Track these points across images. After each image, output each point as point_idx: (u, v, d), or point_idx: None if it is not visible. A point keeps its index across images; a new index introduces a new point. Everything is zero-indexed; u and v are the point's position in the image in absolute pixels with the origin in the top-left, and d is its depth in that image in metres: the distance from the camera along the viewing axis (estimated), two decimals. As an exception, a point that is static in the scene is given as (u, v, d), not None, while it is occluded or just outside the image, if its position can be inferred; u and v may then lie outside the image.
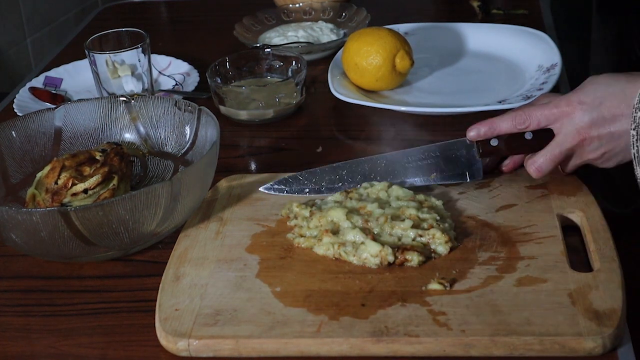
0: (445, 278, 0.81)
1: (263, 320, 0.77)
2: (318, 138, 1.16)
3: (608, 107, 0.88)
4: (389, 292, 0.80)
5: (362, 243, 0.84)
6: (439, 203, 0.91)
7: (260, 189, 0.98)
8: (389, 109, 1.17)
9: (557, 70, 1.19)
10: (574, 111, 0.89)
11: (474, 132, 0.94)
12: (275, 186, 0.98)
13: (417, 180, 0.96)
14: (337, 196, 0.93)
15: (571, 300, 0.77)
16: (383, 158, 0.97)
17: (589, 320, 0.74)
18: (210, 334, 0.77)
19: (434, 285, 0.80)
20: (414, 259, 0.83)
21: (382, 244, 0.84)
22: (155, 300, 0.82)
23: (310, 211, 0.91)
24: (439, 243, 0.84)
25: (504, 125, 0.93)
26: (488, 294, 0.78)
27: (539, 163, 0.92)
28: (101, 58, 1.19)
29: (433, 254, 0.84)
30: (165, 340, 0.77)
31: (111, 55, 1.19)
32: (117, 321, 0.83)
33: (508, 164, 0.97)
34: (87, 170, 0.95)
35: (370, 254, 0.83)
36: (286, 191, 0.97)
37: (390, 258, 0.83)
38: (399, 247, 0.84)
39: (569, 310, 0.75)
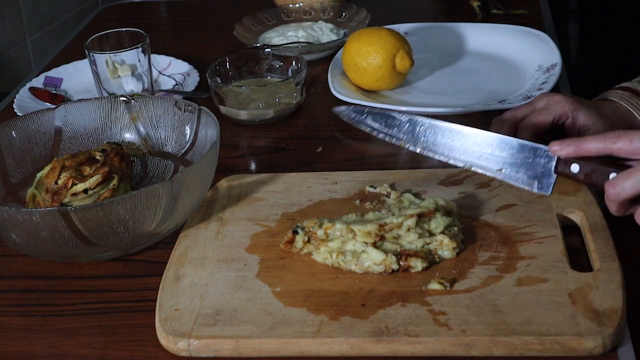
0: (446, 278, 0.81)
1: (263, 320, 0.77)
2: (318, 138, 1.16)
3: None
4: (389, 292, 0.80)
5: (363, 251, 0.84)
6: (453, 205, 0.89)
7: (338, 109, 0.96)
8: (389, 109, 1.17)
9: (557, 70, 1.19)
10: None
11: (557, 147, 0.82)
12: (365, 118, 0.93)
13: (484, 168, 0.87)
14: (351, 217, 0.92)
15: (571, 300, 0.76)
16: (456, 132, 0.88)
17: (589, 320, 0.74)
18: (210, 334, 0.77)
19: (434, 285, 0.80)
20: (417, 265, 0.82)
21: (385, 251, 0.83)
22: (155, 300, 0.82)
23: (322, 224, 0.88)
24: (447, 249, 0.84)
25: (592, 144, 0.80)
26: (488, 294, 0.78)
27: (618, 183, 0.77)
28: (101, 58, 1.19)
29: (437, 258, 0.84)
30: (165, 340, 0.77)
31: (111, 55, 1.19)
32: (117, 321, 0.83)
33: None
34: (87, 170, 0.95)
35: (374, 262, 0.83)
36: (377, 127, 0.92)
37: (395, 266, 0.82)
38: (401, 254, 0.83)
39: (569, 310, 0.75)
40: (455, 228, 0.86)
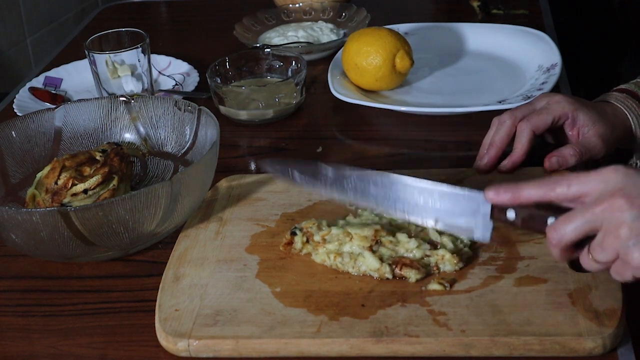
0: (445, 278, 0.81)
1: (263, 321, 0.77)
2: (318, 138, 1.16)
3: None
4: (389, 292, 0.80)
5: (360, 254, 0.83)
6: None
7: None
8: (389, 109, 1.17)
9: (557, 70, 1.19)
10: (616, 172, 0.71)
11: (493, 195, 0.77)
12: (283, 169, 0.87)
13: (418, 220, 0.82)
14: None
15: (571, 300, 0.76)
16: (388, 182, 0.83)
17: (589, 320, 0.74)
18: (210, 334, 0.77)
19: (434, 286, 0.80)
20: (411, 276, 0.81)
21: (381, 257, 0.83)
22: (155, 300, 0.82)
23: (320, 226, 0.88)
24: (449, 264, 0.82)
25: (529, 191, 0.74)
26: (488, 294, 0.78)
27: (558, 228, 0.72)
28: (101, 58, 1.19)
29: (436, 270, 0.82)
30: (165, 340, 0.77)
31: (111, 55, 1.19)
32: (117, 321, 0.83)
33: (506, 164, 0.97)
34: (87, 170, 0.95)
35: (369, 267, 0.82)
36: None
37: (388, 275, 0.81)
38: (397, 263, 0.82)
39: (569, 310, 0.75)
40: (462, 244, 0.85)
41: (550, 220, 0.74)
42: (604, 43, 1.95)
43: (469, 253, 0.84)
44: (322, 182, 0.85)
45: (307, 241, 0.86)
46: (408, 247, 0.83)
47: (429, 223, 0.81)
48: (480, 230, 0.79)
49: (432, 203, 0.81)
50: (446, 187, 0.80)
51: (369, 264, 0.82)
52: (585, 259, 0.72)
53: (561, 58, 1.22)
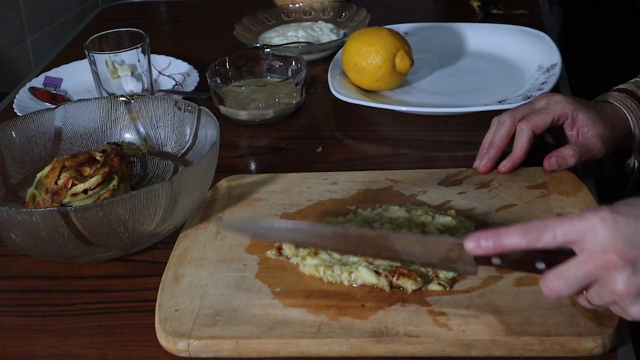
0: (445, 279, 0.81)
1: (263, 321, 0.77)
2: (318, 138, 1.16)
3: None
4: (389, 292, 0.80)
5: (354, 264, 0.82)
6: (470, 225, 0.87)
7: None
8: (389, 109, 1.17)
9: (557, 70, 1.19)
10: (604, 222, 0.66)
11: (472, 244, 0.71)
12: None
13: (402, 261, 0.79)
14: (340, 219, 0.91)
15: (571, 300, 0.76)
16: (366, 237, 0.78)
17: (588, 320, 0.74)
18: (210, 334, 0.77)
19: (434, 286, 0.80)
20: (408, 287, 0.80)
21: (377, 270, 0.81)
22: (155, 300, 0.82)
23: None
24: (445, 273, 0.81)
25: (513, 240, 0.70)
26: (488, 294, 0.78)
27: (552, 285, 0.69)
28: (101, 58, 1.19)
29: (435, 278, 0.81)
30: (165, 340, 0.77)
31: (111, 55, 1.19)
32: (117, 321, 0.83)
33: (506, 164, 0.97)
34: (87, 170, 0.95)
35: (365, 281, 0.81)
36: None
37: (387, 289, 0.80)
38: (394, 272, 0.80)
39: (569, 310, 0.75)
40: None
41: (540, 265, 0.71)
42: (604, 43, 1.95)
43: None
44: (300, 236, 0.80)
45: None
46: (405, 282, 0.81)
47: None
48: (467, 270, 0.75)
49: (414, 251, 0.76)
50: (428, 238, 0.77)
51: (365, 277, 0.81)
52: (584, 302, 0.71)
53: (561, 58, 1.22)
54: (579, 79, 1.38)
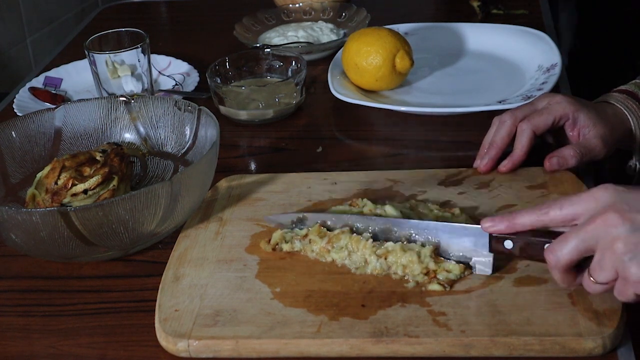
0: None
1: (263, 321, 0.77)
2: (318, 138, 1.16)
3: None
4: (389, 292, 0.80)
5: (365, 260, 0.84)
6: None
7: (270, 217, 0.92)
8: (389, 109, 1.17)
9: (557, 70, 1.19)
10: (606, 190, 0.72)
11: (489, 224, 0.78)
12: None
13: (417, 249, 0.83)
14: (343, 208, 0.92)
15: (571, 300, 0.76)
16: (389, 221, 0.86)
17: (589, 321, 0.74)
18: (210, 334, 0.77)
19: (434, 286, 0.80)
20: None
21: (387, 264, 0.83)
22: (155, 300, 0.82)
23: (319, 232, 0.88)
24: (445, 274, 0.81)
25: (524, 217, 0.76)
26: (488, 295, 0.78)
27: (556, 250, 0.73)
28: (101, 58, 1.19)
29: (435, 279, 0.81)
30: (165, 340, 0.77)
31: (111, 55, 1.19)
32: (117, 321, 0.83)
33: (506, 164, 0.97)
34: (87, 170, 0.95)
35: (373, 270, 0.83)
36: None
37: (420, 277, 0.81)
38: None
39: (569, 310, 0.75)
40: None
41: (547, 246, 0.75)
42: (605, 42, 1.95)
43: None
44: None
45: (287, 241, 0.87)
46: (412, 269, 0.82)
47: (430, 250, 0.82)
48: (482, 263, 0.81)
49: (431, 238, 0.83)
50: (442, 224, 0.83)
51: (374, 266, 0.83)
52: (587, 282, 0.73)
53: (561, 58, 1.22)
54: (579, 79, 1.38)
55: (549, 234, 0.76)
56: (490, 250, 0.80)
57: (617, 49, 1.70)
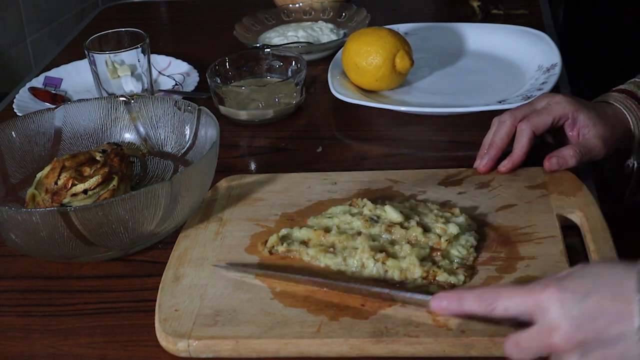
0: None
1: (263, 321, 0.77)
2: (318, 138, 1.16)
3: (597, 300, 0.64)
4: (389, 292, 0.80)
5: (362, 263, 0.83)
6: (471, 239, 0.85)
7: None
8: (389, 109, 1.17)
9: (557, 70, 1.19)
10: (550, 302, 0.65)
11: (436, 303, 0.73)
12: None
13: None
14: (343, 208, 0.91)
15: (571, 300, 0.76)
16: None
17: (588, 321, 0.74)
18: (210, 334, 0.77)
19: (434, 289, 0.80)
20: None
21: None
22: (155, 300, 0.82)
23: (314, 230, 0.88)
24: (445, 276, 0.81)
25: (472, 304, 0.70)
26: (488, 294, 0.78)
27: (510, 350, 0.69)
28: (101, 58, 1.19)
29: (434, 282, 0.81)
30: (165, 340, 0.77)
31: (111, 55, 1.19)
32: (117, 321, 0.83)
33: (506, 164, 0.97)
34: (87, 170, 0.95)
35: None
36: None
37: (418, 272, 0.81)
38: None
39: (569, 310, 0.75)
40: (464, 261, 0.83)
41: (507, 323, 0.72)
42: (604, 42, 1.95)
43: (474, 249, 0.84)
44: None
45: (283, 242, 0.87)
46: (410, 273, 0.82)
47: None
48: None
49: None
50: (393, 292, 0.78)
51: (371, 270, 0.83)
52: None
53: (561, 58, 1.22)
54: (579, 79, 1.38)
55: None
56: None
57: (617, 48, 1.70)
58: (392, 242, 0.85)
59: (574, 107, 0.97)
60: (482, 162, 0.98)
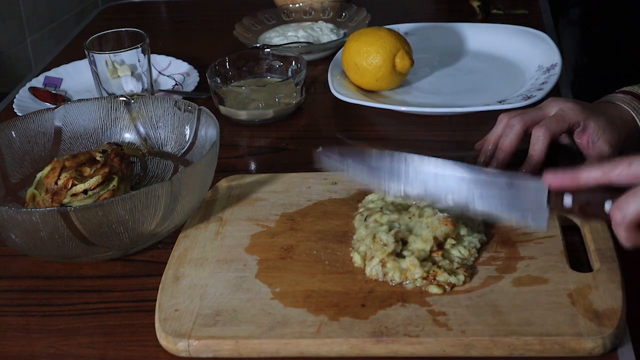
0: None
1: (263, 321, 0.77)
2: (318, 138, 1.16)
3: None
4: (389, 292, 0.80)
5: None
6: (475, 241, 0.86)
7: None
8: (389, 109, 1.17)
9: (557, 70, 1.19)
10: None
11: (552, 177, 0.76)
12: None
13: (483, 210, 0.81)
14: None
15: (571, 300, 0.76)
16: (440, 176, 0.83)
17: (588, 321, 0.74)
18: (210, 334, 0.77)
19: (434, 289, 0.80)
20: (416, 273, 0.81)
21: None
22: (155, 300, 0.82)
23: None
24: (445, 276, 0.81)
25: (591, 174, 0.74)
26: (488, 294, 0.78)
27: (625, 204, 0.71)
28: (101, 58, 1.19)
29: (434, 281, 0.81)
30: (165, 340, 0.77)
31: (111, 55, 1.19)
32: (117, 321, 0.83)
33: (525, 170, 0.97)
34: (87, 170, 0.95)
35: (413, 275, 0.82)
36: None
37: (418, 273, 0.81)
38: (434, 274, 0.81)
39: (569, 310, 0.75)
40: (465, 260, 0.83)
41: (608, 203, 0.73)
42: (605, 42, 1.95)
43: (476, 250, 0.85)
44: (376, 172, 0.85)
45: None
46: (410, 273, 0.82)
47: (479, 212, 0.81)
48: (536, 219, 0.79)
49: (487, 192, 0.81)
50: (500, 176, 0.80)
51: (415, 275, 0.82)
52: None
53: (561, 58, 1.22)
54: (580, 78, 1.38)
55: (610, 192, 0.73)
56: (548, 206, 0.78)
57: (622, 59, 1.70)
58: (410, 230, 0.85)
59: (584, 115, 0.97)
60: (491, 166, 0.98)
